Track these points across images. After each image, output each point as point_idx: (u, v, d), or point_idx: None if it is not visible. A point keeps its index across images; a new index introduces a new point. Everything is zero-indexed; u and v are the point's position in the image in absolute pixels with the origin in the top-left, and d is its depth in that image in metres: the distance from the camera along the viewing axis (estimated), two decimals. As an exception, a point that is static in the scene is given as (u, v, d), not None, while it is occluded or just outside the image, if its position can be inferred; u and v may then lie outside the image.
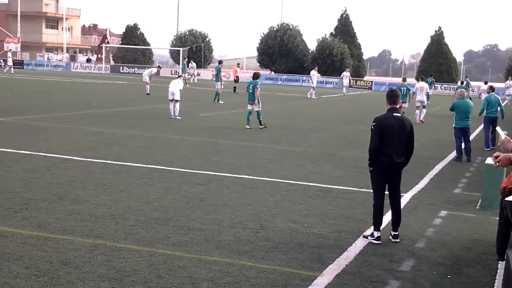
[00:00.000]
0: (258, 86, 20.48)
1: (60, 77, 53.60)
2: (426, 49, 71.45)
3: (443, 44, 69.89)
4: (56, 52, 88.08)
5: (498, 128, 6.57)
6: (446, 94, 54.53)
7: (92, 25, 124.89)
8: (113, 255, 6.89)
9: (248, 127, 20.25)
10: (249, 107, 20.62)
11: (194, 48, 70.13)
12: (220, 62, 38.68)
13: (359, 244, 7.91)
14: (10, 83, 41.10)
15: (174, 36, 78.54)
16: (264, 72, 67.29)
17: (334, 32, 73.81)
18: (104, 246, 7.17)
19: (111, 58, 79.97)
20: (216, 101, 32.01)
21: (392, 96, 8.27)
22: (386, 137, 7.98)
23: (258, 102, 20.33)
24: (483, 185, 10.63)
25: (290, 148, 16.47)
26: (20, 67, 67.45)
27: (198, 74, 58.31)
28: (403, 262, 7.34)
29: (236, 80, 44.00)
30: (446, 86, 60.68)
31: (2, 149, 13.69)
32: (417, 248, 7.92)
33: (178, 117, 22.25)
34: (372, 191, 8.33)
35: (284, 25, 74.80)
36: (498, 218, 6.83)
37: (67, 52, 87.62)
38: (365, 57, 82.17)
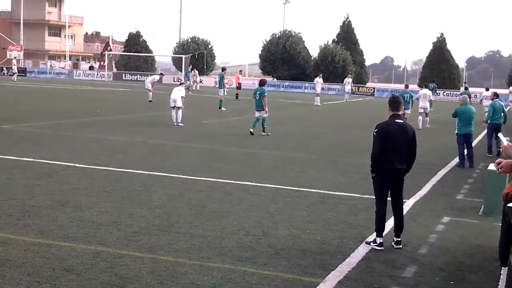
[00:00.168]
0: (265, 93, 20.54)
1: (62, 84, 53.72)
2: (428, 55, 71.43)
3: (445, 50, 69.86)
4: (58, 60, 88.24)
5: (500, 135, 6.58)
6: (449, 101, 54.54)
7: (94, 33, 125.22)
8: (115, 262, 6.89)
9: (251, 130, 20.26)
10: (257, 114, 20.64)
11: (196, 55, 70.25)
12: (223, 69, 38.75)
13: (362, 250, 7.90)
14: (13, 90, 41.18)
15: (177, 43, 78.93)
16: (267, 79, 67.15)
17: (336, 39, 73.83)
18: (106, 253, 7.17)
19: (113, 65, 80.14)
20: (220, 108, 32.06)
21: (395, 102, 8.27)
22: (388, 143, 7.99)
23: (266, 109, 20.37)
24: (485, 191, 10.63)
25: (293, 154, 16.47)
26: (23, 74, 67.59)
27: (201, 81, 58.41)
28: (405, 268, 7.33)
29: (238, 87, 44.10)
30: (449, 92, 60.73)
31: (5, 157, 13.71)
32: (420, 254, 7.91)
33: (180, 124, 22.27)
34: (374, 197, 8.33)
35: (286, 32, 74.95)
36: (500, 224, 6.83)
37: (70, 59, 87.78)
38: (367, 63, 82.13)
